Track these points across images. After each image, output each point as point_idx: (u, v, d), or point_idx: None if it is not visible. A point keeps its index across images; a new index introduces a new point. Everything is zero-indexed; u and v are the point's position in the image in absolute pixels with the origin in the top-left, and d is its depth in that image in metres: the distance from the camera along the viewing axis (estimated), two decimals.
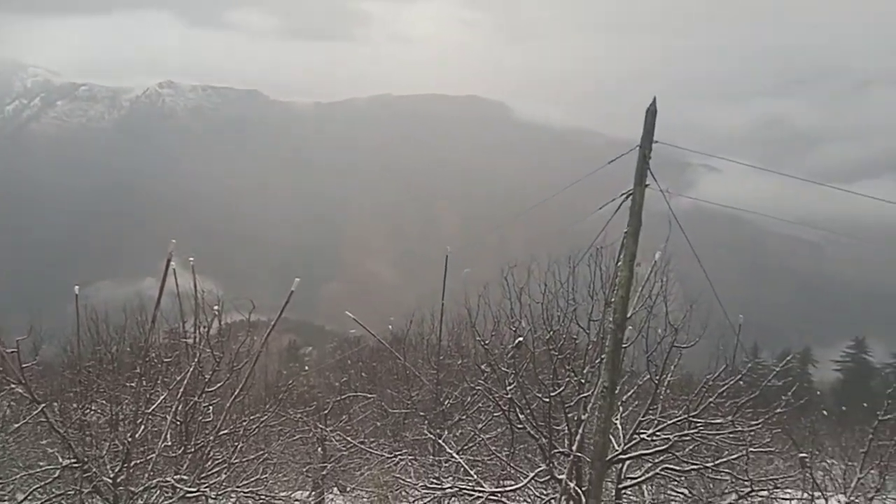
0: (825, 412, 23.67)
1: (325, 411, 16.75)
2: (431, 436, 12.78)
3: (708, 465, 9.28)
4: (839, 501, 8.15)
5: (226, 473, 9.09)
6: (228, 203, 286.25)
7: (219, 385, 9.08)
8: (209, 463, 9.01)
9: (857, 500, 8.65)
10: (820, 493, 9.13)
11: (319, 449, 15.86)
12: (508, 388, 9.22)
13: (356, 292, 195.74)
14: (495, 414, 12.20)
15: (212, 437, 8.83)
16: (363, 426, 17.14)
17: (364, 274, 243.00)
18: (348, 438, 14.84)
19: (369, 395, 18.07)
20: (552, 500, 8.92)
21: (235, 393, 8.75)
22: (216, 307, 9.32)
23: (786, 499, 10.36)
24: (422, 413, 15.19)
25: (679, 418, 8.92)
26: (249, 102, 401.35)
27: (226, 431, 9.28)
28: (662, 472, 9.56)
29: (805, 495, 9.72)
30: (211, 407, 9.18)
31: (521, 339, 8.59)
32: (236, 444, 9.45)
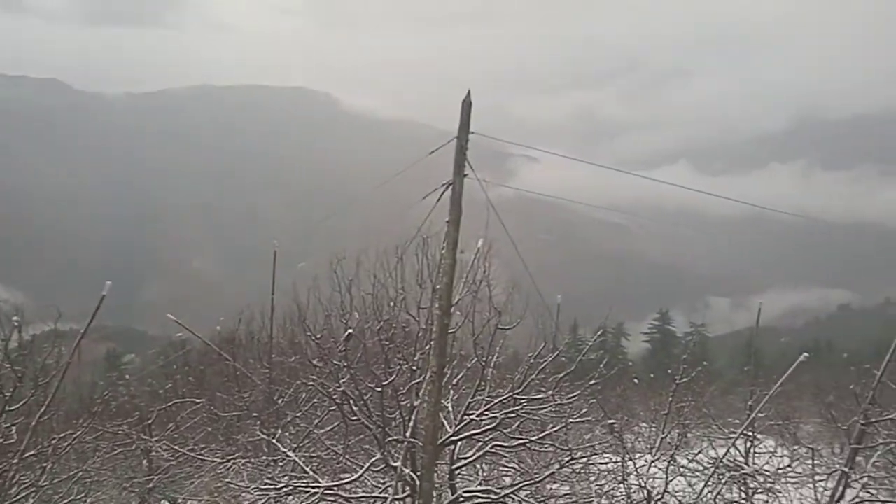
0: (636, 380, 26.01)
1: (150, 421, 15.81)
2: (265, 436, 12.48)
3: (533, 438, 9.86)
4: (646, 461, 9.01)
5: (34, 498, 8.34)
6: (29, 203, 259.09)
7: (22, 402, 8.31)
8: (14, 489, 8.22)
9: (661, 458, 9.58)
10: (629, 456, 10.02)
11: (144, 461, 14.96)
12: (341, 381, 9.23)
13: (182, 293, 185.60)
14: (330, 408, 12.15)
15: (16, 461, 8.06)
16: (193, 433, 16.37)
17: (189, 273, 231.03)
18: (176, 447, 14.12)
19: (198, 401, 17.26)
20: (389, 488, 9.06)
21: (42, 410, 8.05)
22: (15, 318, 8.51)
23: (603, 463, 11.26)
24: (255, 414, 14.79)
25: (505, 397, 9.40)
26: (49, 92, 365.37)
27: (32, 453, 8.51)
28: (492, 450, 10.01)
29: (617, 458, 10.62)
30: (14, 427, 8.38)
31: (350, 331, 8.62)
32: (45, 465, 8.70)
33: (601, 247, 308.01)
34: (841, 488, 9.93)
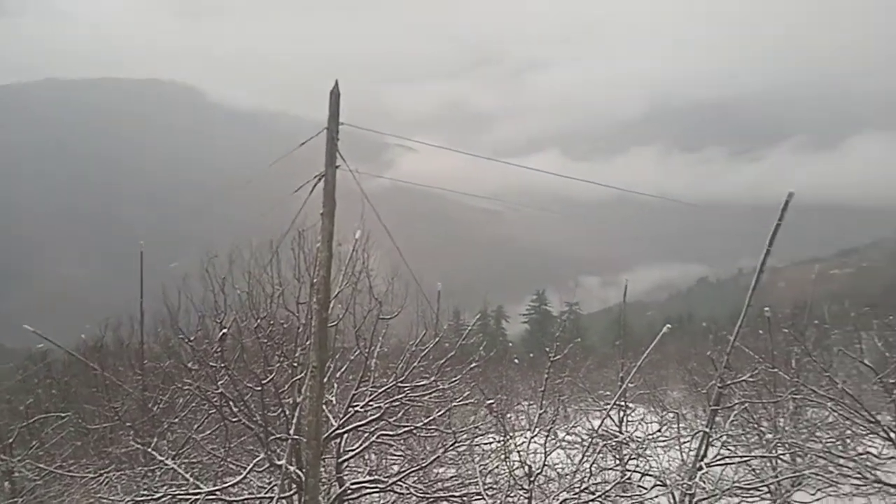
0: (516, 360, 26.86)
1: (10, 440, 14.67)
2: (140, 446, 11.90)
3: (418, 425, 9.98)
4: (526, 437, 9.36)
5: None
6: None
7: None
8: None
9: (540, 433, 9.96)
10: (511, 434, 10.37)
11: (7, 483, 13.89)
12: (219, 383, 8.95)
13: (43, 302, 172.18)
14: (210, 412, 11.74)
15: None
16: (60, 449, 15.34)
17: (50, 281, 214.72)
18: (41, 466, 13.19)
19: (64, 414, 16.18)
20: (275, 487, 8.90)
21: None
22: None
23: (487, 443, 11.58)
24: (128, 424, 14.05)
25: (389, 386, 9.45)
26: None
27: None
28: (379, 440, 10.05)
29: (500, 437, 10.96)
30: None
31: (225, 330, 8.37)
32: None
33: (478, 233, 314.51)
34: (703, 448, 10.70)
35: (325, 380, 8.90)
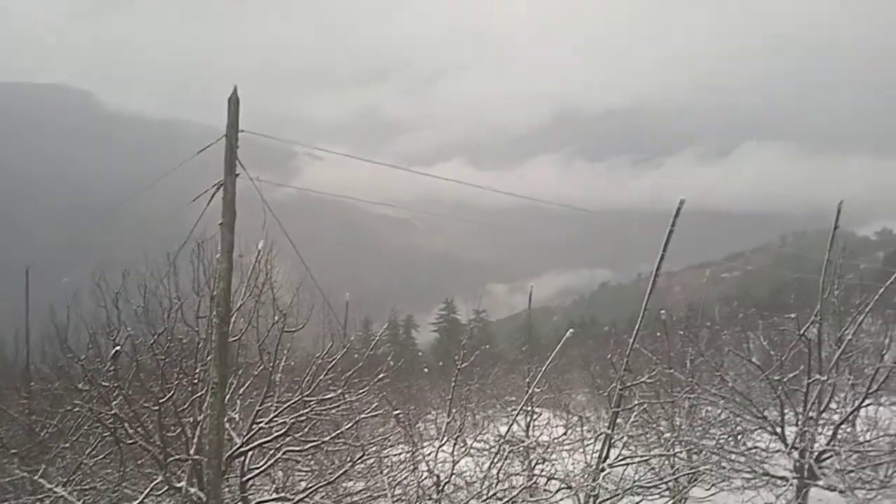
0: (426, 369, 26.91)
1: None
2: (27, 474, 11.14)
3: (326, 439, 9.80)
4: (434, 447, 9.37)
5: None
6: None
7: None
8: None
9: (448, 442, 10.00)
10: (419, 444, 10.35)
11: None
12: (113, 403, 8.51)
13: None
14: (103, 434, 11.14)
15: None
16: None
17: None
18: None
19: None
20: None
21: None
22: None
23: (396, 454, 11.51)
24: (13, 451, 13.14)
25: (294, 400, 9.25)
26: None
27: None
28: (285, 456, 9.81)
29: (409, 448, 10.92)
30: None
31: (118, 348, 7.97)
32: None
33: (387, 242, 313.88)
34: (606, 449, 11.03)
35: (228, 396, 8.62)
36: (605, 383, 13.84)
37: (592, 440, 11.58)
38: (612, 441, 11.15)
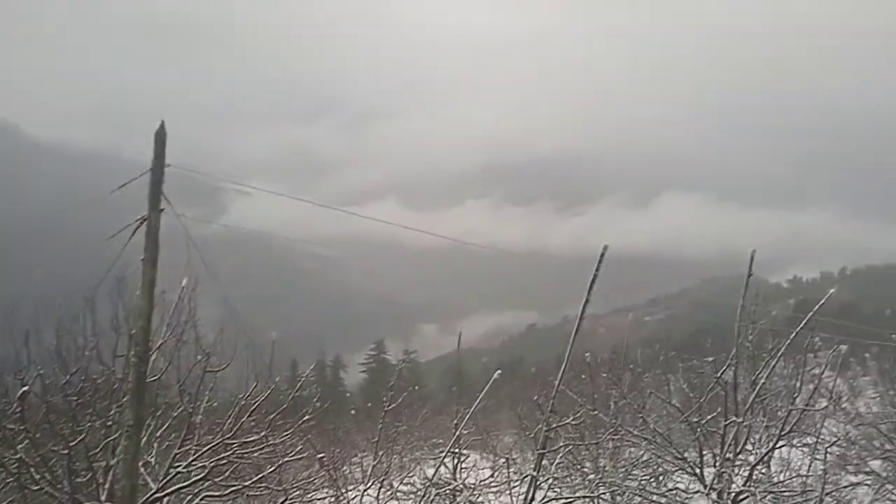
0: (353, 411, 26.50)
1: None
2: None
3: (247, 483, 9.51)
4: (359, 490, 9.20)
5: None
6: None
7: None
8: None
9: (374, 486, 9.85)
10: (344, 488, 10.15)
11: None
12: (18, 447, 8.05)
13: None
14: (7, 480, 10.49)
15: None
16: None
17: None
18: None
19: None
20: None
21: None
22: None
23: (320, 498, 11.24)
24: None
25: (215, 443, 8.96)
26: None
27: None
28: (204, 501, 9.45)
29: (334, 492, 10.70)
30: None
31: (26, 388, 7.57)
32: None
33: (318, 281, 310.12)
34: (532, 491, 11.04)
35: (144, 439, 8.28)
36: (532, 424, 13.92)
37: (518, 482, 11.59)
38: (538, 483, 11.17)
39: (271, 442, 9.18)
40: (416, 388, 29.67)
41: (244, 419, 9.22)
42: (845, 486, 11.95)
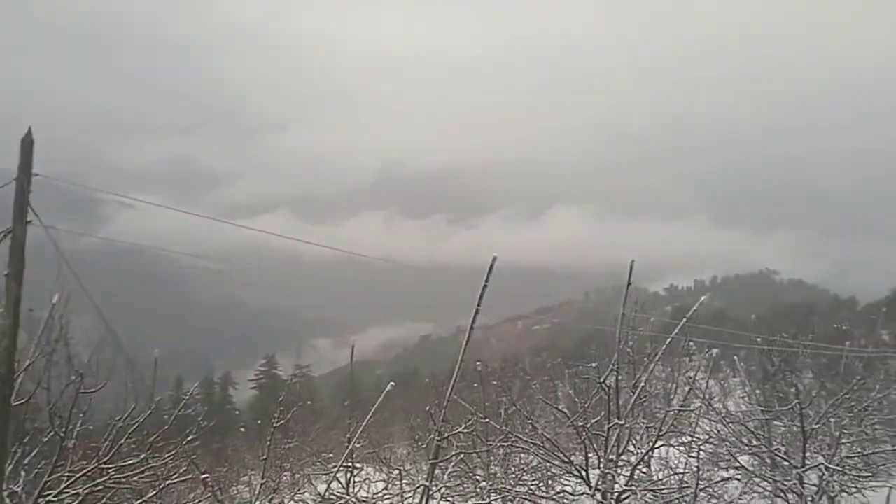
0: (242, 429, 25.70)
1: None
2: None
3: None
4: None
5: None
6: None
7: None
8: None
9: None
10: None
11: None
12: None
13: None
14: None
15: None
16: None
17: None
18: None
19: None
20: None
21: None
22: None
23: None
24: None
25: (90, 469, 8.47)
26: None
27: None
28: None
29: None
30: None
31: None
32: None
33: (205, 296, 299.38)
34: (424, 501, 11.08)
35: (10, 468, 7.72)
36: (425, 435, 14.00)
37: (411, 493, 11.61)
38: (431, 492, 11.23)
39: (152, 465, 8.76)
40: (309, 402, 29.14)
41: (122, 442, 8.77)
42: (718, 482, 12.69)
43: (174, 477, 9.33)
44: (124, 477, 8.77)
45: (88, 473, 8.44)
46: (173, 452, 9.28)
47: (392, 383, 12.75)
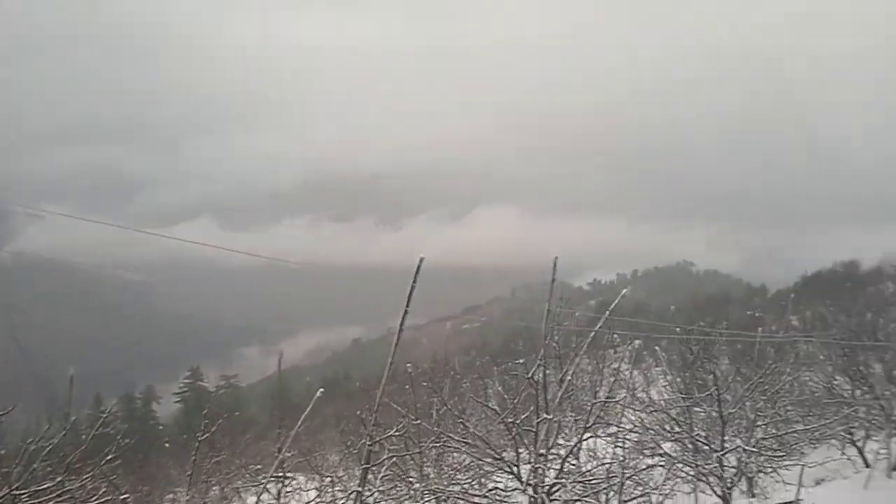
0: (167, 444, 24.91)
1: None
2: None
3: None
4: None
5: None
6: None
7: None
8: None
9: None
10: None
11: None
12: None
13: None
14: None
15: None
16: None
17: None
18: None
19: None
20: None
21: None
22: None
23: None
24: None
25: (2, 496, 8.03)
26: None
27: None
28: None
29: None
30: None
31: None
32: None
33: (125, 309, 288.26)
34: None
35: None
36: (356, 440, 13.90)
37: (344, 499, 11.51)
38: (364, 498, 11.16)
39: (69, 488, 8.38)
40: (237, 413, 28.50)
41: (36, 465, 8.35)
42: (643, 469, 13.07)
43: (93, 499, 8.94)
44: (39, 502, 8.34)
45: (0, 501, 8.00)
46: (91, 474, 8.89)
47: (321, 389, 12.59)
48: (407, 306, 11.51)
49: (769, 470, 14.66)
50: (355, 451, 13.02)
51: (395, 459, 12.41)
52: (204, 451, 10.77)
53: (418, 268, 11.31)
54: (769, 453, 14.74)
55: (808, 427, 17.05)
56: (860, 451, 20.25)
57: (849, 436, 20.36)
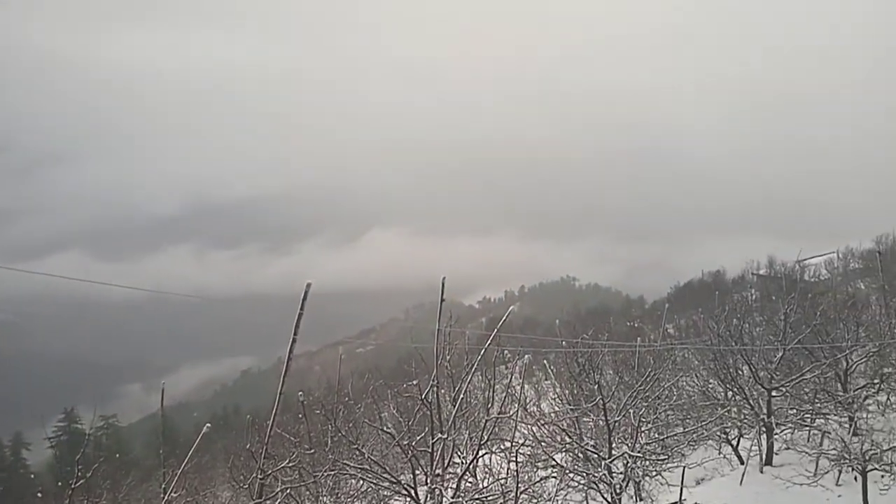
0: (39, 494, 23.09)
1: None
2: None
3: None
4: None
5: None
6: None
7: None
8: None
9: None
10: None
11: None
12: None
13: None
14: None
15: None
16: None
17: None
18: None
19: None
20: None
21: None
22: None
23: None
24: None
25: None
26: None
27: None
28: None
29: None
30: None
31: None
32: None
33: None
34: None
35: None
36: (248, 474, 13.44)
37: None
38: None
39: None
40: (118, 455, 26.92)
41: None
42: (536, 481, 13.40)
43: None
44: None
45: None
46: None
47: (208, 424, 12.15)
48: (295, 334, 11.33)
49: (654, 473, 15.37)
50: (246, 486, 12.58)
51: (289, 491, 12.10)
52: (79, 498, 10.07)
53: (305, 294, 11.18)
54: (653, 457, 15.46)
55: (686, 430, 18.02)
56: (735, 450, 21.59)
57: (724, 435, 21.67)
